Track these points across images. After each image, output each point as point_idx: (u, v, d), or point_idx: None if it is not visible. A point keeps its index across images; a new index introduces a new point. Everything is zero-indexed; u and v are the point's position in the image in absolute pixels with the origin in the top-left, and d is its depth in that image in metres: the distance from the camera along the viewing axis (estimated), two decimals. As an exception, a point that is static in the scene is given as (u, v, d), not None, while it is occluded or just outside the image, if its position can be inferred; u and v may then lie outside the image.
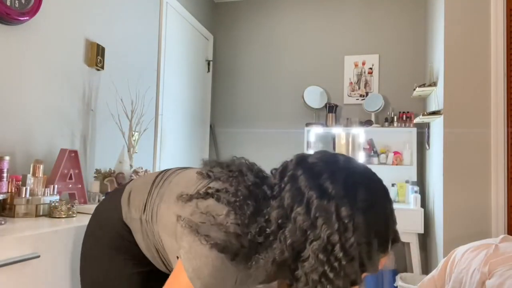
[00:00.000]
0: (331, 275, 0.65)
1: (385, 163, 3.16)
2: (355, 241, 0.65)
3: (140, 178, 1.01)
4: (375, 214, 0.69)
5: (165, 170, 0.99)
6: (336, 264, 0.65)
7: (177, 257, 0.77)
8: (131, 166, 1.93)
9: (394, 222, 0.73)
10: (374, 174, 0.76)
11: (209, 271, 0.70)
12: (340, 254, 0.65)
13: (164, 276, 0.91)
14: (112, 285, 0.92)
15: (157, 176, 0.96)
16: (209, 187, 0.80)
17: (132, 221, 0.92)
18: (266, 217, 0.71)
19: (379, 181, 0.75)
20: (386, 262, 0.74)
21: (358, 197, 0.68)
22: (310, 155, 0.78)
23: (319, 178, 0.70)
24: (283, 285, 0.97)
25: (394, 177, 3.17)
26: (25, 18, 1.56)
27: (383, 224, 0.70)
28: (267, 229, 0.70)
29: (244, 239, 0.71)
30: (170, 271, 0.92)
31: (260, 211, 0.73)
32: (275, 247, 0.69)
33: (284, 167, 0.77)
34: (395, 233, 0.73)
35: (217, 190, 0.78)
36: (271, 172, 0.81)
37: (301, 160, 0.76)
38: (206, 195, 0.78)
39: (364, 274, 0.71)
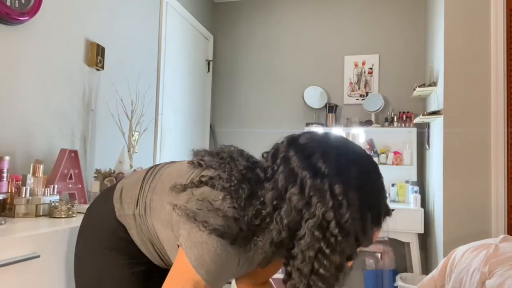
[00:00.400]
0: (327, 251, 0.67)
1: (385, 163, 3.15)
2: (350, 217, 0.67)
3: (130, 176, 1.01)
4: (368, 190, 0.71)
5: (155, 165, 0.99)
6: (332, 240, 0.67)
7: (178, 246, 0.77)
8: (131, 166, 1.93)
9: (385, 196, 0.75)
10: (364, 151, 0.78)
11: (211, 258, 0.71)
12: (336, 231, 0.66)
13: (162, 275, 0.91)
14: (109, 286, 0.91)
15: (147, 172, 0.96)
16: (202, 175, 0.80)
17: (125, 217, 0.92)
18: (261, 199, 0.72)
19: (369, 157, 0.76)
20: (378, 234, 0.75)
21: (350, 174, 0.70)
22: (300, 135, 0.79)
23: (311, 158, 0.71)
24: (278, 265, 0.98)
25: (394, 177, 3.17)
26: (25, 18, 1.56)
27: (375, 199, 0.72)
28: (263, 211, 0.71)
29: (242, 223, 0.71)
30: (167, 265, 0.93)
31: (255, 194, 0.73)
32: (272, 228, 0.70)
33: (276, 149, 0.78)
34: (387, 207, 0.74)
35: (211, 178, 0.78)
36: (262, 155, 0.81)
37: (292, 141, 0.77)
38: (200, 183, 0.78)
39: (359, 248, 0.72)
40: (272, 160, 0.76)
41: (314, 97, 3.46)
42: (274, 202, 0.71)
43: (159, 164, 0.99)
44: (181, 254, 0.73)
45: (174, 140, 3.03)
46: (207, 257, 0.71)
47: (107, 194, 1.00)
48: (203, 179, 0.79)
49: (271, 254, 0.82)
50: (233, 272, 0.78)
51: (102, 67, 2.06)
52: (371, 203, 0.71)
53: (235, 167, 0.79)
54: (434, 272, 1.91)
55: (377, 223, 0.72)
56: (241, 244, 0.72)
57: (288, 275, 0.72)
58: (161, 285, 0.78)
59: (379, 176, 0.74)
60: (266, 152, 0.80)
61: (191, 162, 0.87)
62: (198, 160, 0.86)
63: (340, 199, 0.67)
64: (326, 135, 0.79)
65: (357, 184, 0.69)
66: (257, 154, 0.88)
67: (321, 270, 0.68)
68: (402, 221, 2.79)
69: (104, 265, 0.91)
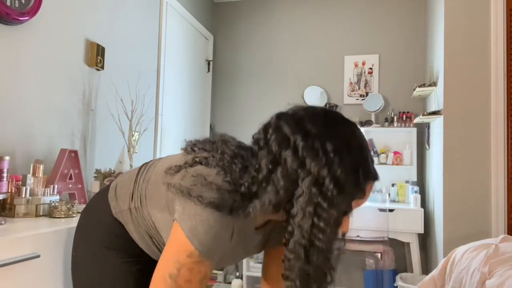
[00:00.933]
0: (325, 205, 0.71)
1: (385, 163, 3.15)
2: (343, 171, 0.72)
3: (124, 174, 1.02)
4: (356, 146, 0.76)
5: (147, 161, 1.01)
6: (329, 194, 0.71)
7: (174, 220, 0.79)
8: (131, 166, 1.93)
9: (371, 155, 0.80)
10: (344, 116, 0.83)
11: (204, 229, 0.73)
12: (331, 185, 0.71)
13: None
14: (108, 286, 0.91)
15: (141, 167, 0.98)
16: (196, 156, 0.83)
17: (122, 213, 0.92)
18: (256, 167, 0.76)
19: (350, 120, 0.82)
20: (371, 189, 0.80)
21: (338, 134, 0.75)
22: (288, 109, 0.83)
23: (301, 123, 0.76)
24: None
25: (394, 177, 3.17)
26: (25, 18, 1.56)
27: (363, 154, 0.77)
28: (259, 175, 0.75)
29: (236, 195, 0.75)
30: None
31: (250, 165, 0.77)
32: (269, 190, 0.73)
33: (266, 123, 0.82)
34: (375, 169, 0.79)
35: (205, 157, 0.81)
36: (253, 136, 0.84)
37: (281, 113, 0.81)
38: (195, 163, 0.81)
39: (353, 203, 0.76)
40: (264, 132, 0.79)
41: (314, 97, 3.46)
42: (270, 166, 0.74)
43: (152, 160, 1.01)
44: (176, 227, 0.76)
45: (174, 140, 3.03)
46: (201, 228, 0.73)
47: (102, 193, 1.00)
48: (197, 159, 0.82)
49: (268, 232, 0.86)
50: (226, 246, 0.79)
51: (102, 67, 2.06)
52: (361, 158, 0.76)
53: (227, 147, 0.82)
54: (434, 272, 1.91)
55: (368, 177, 0.77)
56: (238, 213, 0.75)
57: (290, 234, 0.74)
58: None
59: (363, 138, 0.80)
60: (256, 133, 0.83)
61: (184, 149, 0.90)
62: (191, 146, 0.89)
63: (332, 156, 0.72)
64: (311, 105, 0.84)
65: (345, 142, 0.75)
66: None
67: (321, 224, 0.72)
68: (402, 221, 2.79)
69: (103, 265, 0.91)
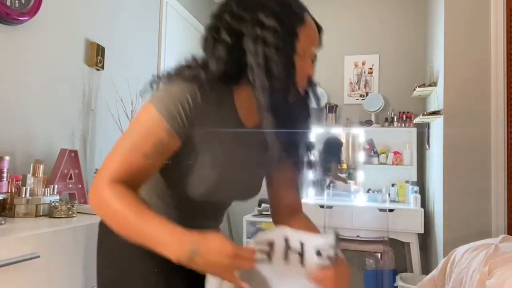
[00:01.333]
0: (271, 37, 0.78)
1: (385, 163, 3.16)
2: (276, 7, 0.81)
3: None
4: None
5: None
6: (271, 27, 0.79)
7: None
8: (131, 166, 1.92)
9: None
10: None
11: (164, 88, 0.81)
12: (271, 20, 0.79)
13: (184, 274, 0.88)
14: (133, 284, 0.90)
15: None
16: None
17: None
18: (205, 45, 0.86)
19: None
20: (312, 27, 0.89)
21: None
22: None
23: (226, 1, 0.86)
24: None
25: (394, 177, 3.17)
26: (25, 18, 1.56)
27: None
28: (210, 46, 0.83)
29: (197, 68, 0.83)
30: None
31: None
32: (220, 47, 0.81)
33: None
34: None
35: None
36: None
37: None
38: None
39: (302, 35, 0.84)
40: (205, 31, 0.87)
41: (314, 97, 3.45)
42: (214, 34, 0.83)
43: None
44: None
45: (174, 140, 3.02)
46: (162, 91, 0.82)
47: None
48: None
49: (264, 143, 0.89)
50: (191, 122, 0.81)
51: (102, 67, 2.06)
52: None
53: None
54: (434, 272, 1.91)
55: (302, 7, 0.86)
56: (199, 75, 0.81)
57: (252, 74, 0.80)
58: (186, 279, 0.85)
59: None
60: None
61: None
62: None
63: (263, 1, 0.81)
64: None
65: None
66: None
67: (275, 52, 0.79)
68: (402, 221, 2.79)
69: (128, 261, 0.90)
